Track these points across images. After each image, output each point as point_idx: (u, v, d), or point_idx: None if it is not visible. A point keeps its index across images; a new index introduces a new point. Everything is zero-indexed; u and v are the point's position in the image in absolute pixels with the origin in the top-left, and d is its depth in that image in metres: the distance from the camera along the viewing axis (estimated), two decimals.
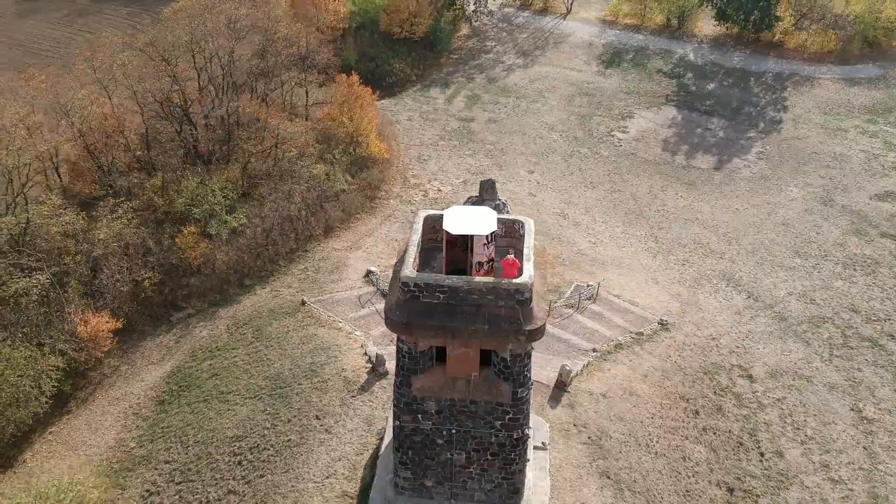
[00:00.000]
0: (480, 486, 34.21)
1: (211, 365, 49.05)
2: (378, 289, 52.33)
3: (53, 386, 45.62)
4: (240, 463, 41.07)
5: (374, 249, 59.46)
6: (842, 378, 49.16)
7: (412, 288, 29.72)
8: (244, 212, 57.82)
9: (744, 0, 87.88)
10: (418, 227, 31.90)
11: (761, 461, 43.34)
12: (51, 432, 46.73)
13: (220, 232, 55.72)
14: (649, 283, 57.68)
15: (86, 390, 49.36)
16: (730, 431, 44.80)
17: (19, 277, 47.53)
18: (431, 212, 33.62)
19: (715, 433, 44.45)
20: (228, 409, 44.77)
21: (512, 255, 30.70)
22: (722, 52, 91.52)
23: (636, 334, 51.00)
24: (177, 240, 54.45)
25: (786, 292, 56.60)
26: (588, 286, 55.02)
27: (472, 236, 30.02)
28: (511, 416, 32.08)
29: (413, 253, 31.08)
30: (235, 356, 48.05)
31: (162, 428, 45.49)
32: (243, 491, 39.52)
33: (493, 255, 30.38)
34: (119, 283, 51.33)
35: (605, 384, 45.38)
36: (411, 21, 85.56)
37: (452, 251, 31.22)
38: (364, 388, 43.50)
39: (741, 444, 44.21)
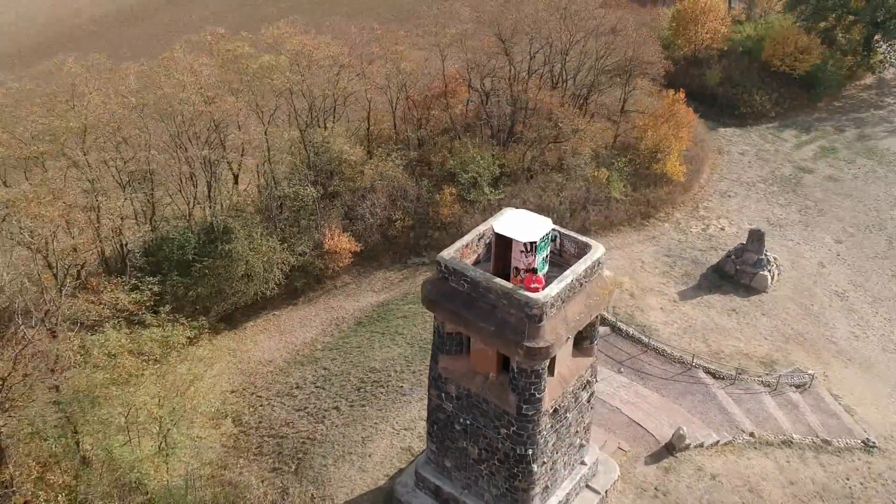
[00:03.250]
0: (489, 488, 34.49)
1: (409, 308, 54.14)
2: (604, 319, 52.03)
3: (282, 277, 54.22)
4: (358, 389, 45.85)
5: (615, 263, 58.86)
6: None
7: (443, 269, 31.15)
8: (507, 191, 61.19)
9: None
10: (495, 220, 32.59)
11: None
12: (274, 314, 55.86)
13: (478, 200, 59.90)
14: (890, 398, 48.96)
15: (315, 293, 57.59)
16: None
17: (301, 187, 56.89)
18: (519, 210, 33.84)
19: None
20: (386, 347, 49.63)
21: (536, 276, 30.25)
22: None
23: (822, 441, 44.38)
24: (438, 196, 59.87)
25: None
26: (807, 374, 48.80)
27: (511, 240, 30.29)
28: (515, 428, 31.87)
29: (468, 240, 32.21)
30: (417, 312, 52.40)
31: (342, 342, 51.98)
32: (344, 411, 44.31)
33: (533, 264, 30.27)
34: (373, 216, 58.52)
35: (726, 468, 40.92)
36: (795, 56, 79.54)
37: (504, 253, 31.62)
38: None
39: None
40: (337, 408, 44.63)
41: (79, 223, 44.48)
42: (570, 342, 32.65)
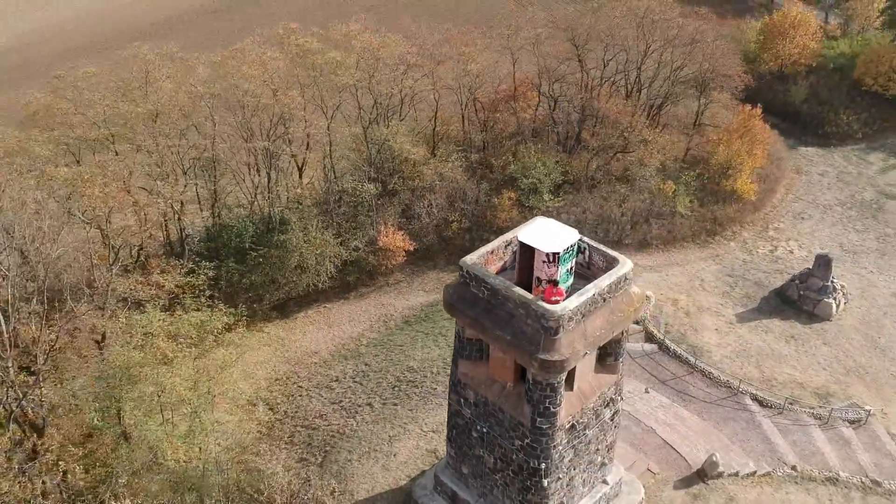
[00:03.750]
0: (503, 499, 34.10)
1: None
2: (641, 324, 51.00)
3: (334, 270, 54.91)
4: (394, 388, 46.05)
5: (673, 280, 57.55)
6: None
7: (464, 273, 30.92)
8: (567, 199, 60.43)
9: None
10: (522, 228, 32.12)
11: None
12: (325, 307, 56.64)
13: (537, 206, 59.35)
14: None
15: (367, 288, 58.15)
16: None
17: (360, 183, 57.56)
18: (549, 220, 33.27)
19: None
20: (428, 347, 49.68)
21: (557, 288, 29.67)
22: None
23: (871, 482, 42.20)
24: (496, 200, 59.60)
25: None
26: (864, 410, 46.51)
27: (535, 249, 29.84)
28: (529, 441, 31.39)
29: (494, 246, 31.88)
30: None
31: (387, 339, 52.31)
32: (377, 408, 44.60)
33: (555, 275, 29.75)
34: (430, 216, 58.68)
35: (760, 501, 39.31)
36: (889, 76, 75.83)
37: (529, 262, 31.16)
38: None
39: None
40: (370, 404, 44.93)
41: (137, 205, 46.09)
42: (593, 358, 31.96)
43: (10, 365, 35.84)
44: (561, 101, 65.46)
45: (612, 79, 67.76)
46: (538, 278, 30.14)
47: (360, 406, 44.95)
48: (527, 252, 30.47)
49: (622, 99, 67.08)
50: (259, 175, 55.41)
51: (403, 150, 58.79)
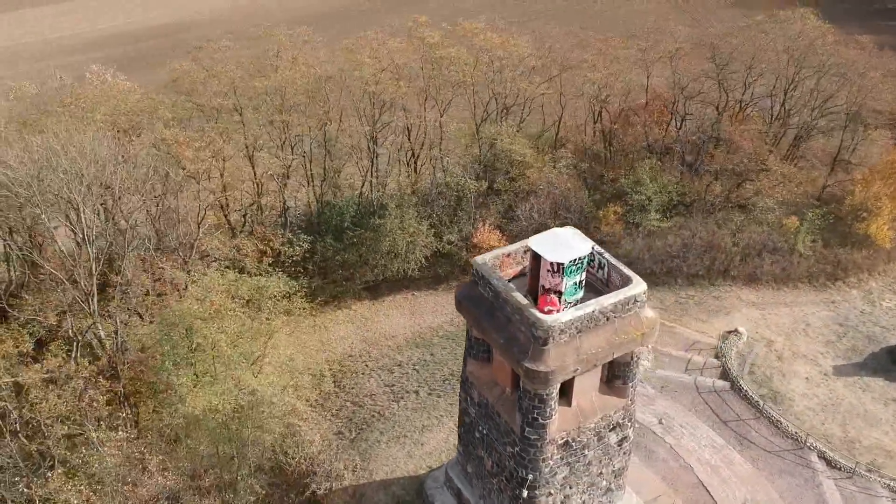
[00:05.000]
0: (500, 502, 33.97)
1: None
2: (724, 366, 48.62)
3: (423, 260, 56.09)
4: (444, 380, 46.89)
5: (775, 320, 54.25)
6: None
7: (474, 272, 31.07)
8: (677, 221, 58.39)
9: None
10: (543, 233, 31.65)
11: None
12: (413, 294, 57.92)
13: (643, 223, 57.80)
14: None
15: (457, 282, 58.50)
16: None
17: (465, 178, 58.44)
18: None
19: None
20: None
21: (555, 298, 29.16)
22: None
23: None
24: (601, 212, 58.52)
25: None
26: None
27: (541, 258, 29.54)
28: (518, 449, 31.11)
29: (512, 249, 31.82)
30: None
31: (460, 334, 52.82)
32: (422, 397, 45.95)
33: (559, 286, 29.33)
34: (528, 219, 58.52)
35: None
36: None
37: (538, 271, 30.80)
38: None
39: None
40: (417, 392, 45.87)
41: (238, 172, 49.45)
42: (596, 377, 31.14)
43: (92, 296, 39.88)
44: (690, 119, 62.97)
45: (752, 103, 64.39)
46: (543, 287, 29.80)
47: (407, 392, 45.99)
48: (536, 259, 30.15)
49: (760, 125, 63.56)
50: (369, 159, 57.44)
51: (513, 150, 58.95)
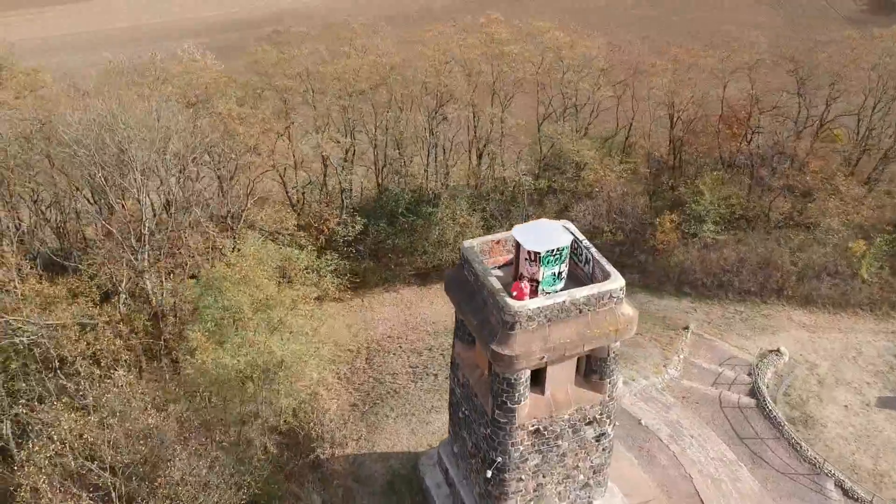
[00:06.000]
0: (476, 485, 34.84)
1: None
2: (755, 383, 47.44)
3: None
4: None
5: (823, 344, 52.47)
6: None
7: (460, 256, 32.07)
8: (736, 235, 57.25)
9: None
10: (530, 222, 32.21)
11: None
12: None
13: (700, 234, 56.92)
14: None
15: None
16: None
17: (520, 174, 59.25)
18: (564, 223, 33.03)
19: None
20: None
21: (527, 285, 29.76)
22: None
23: None
24: (658, 220, 57.93)
25: None
26: None
27: (520, 246, 30.24)
28: (489, 431, 31.93)
29: (502, 237, 32.57)
30: None
31: None
32: (439, 380, 46.99)
33: (536, 275, 29.98)
34: (581, 221, 58.51)
35: None
36: None
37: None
38: None
39: None
40: (436, 375, 47.05)
41: (288, 152, 52.07)
42: (571, 369, 31.53)
43: (145, 252, 43.21)
44: (761, 131, 61.30)
45: (832, 119, 61.99)
46: (521, 275, 30.48)
47: (427, 374, 47.29)
48: (518, 247, 30.85)
49: (840, 144, 61.21)
50: (428, 150, 59.00)
51: (572, 151, 59.18)
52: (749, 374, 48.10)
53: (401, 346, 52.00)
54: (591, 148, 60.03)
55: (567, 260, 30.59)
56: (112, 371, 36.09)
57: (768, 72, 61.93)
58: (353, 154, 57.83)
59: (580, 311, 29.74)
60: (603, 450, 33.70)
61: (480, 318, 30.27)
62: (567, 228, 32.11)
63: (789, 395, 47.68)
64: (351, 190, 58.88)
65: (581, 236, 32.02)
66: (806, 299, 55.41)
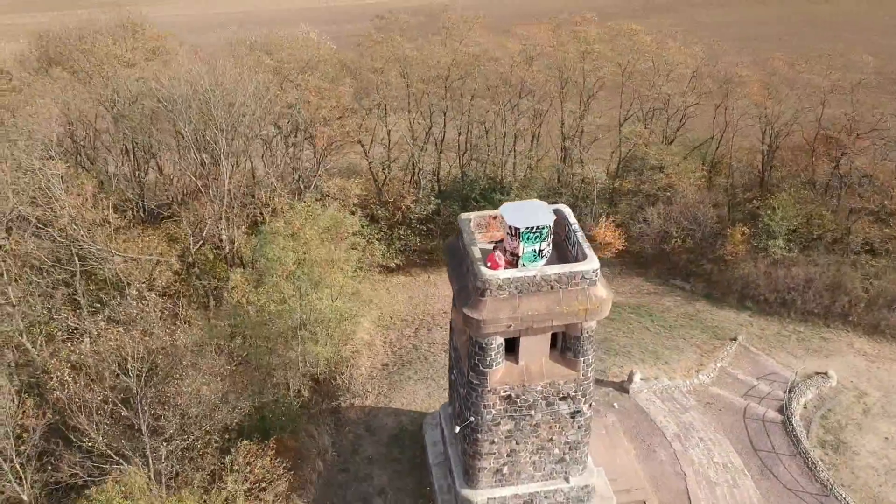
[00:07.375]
0: (460, 445, 37.03)
1: (629, 317, 54.74)
2: (786, 399, 46.72)
3: None
4: None
5: (880, 375, 50.63)
6: None
7: (458, 227, 34.37)
8: (808, 255, 56.03)
9: None
10: (522, 201, 34.05)
11: None
12: None
13: (770, 249, 56.10)
14: None
15: None
16: None
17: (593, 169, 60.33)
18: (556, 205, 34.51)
19: None
20: None
21: (501, 256, 31.65)
22: None
23: None
24: (729, 231, 57.53)
25: None
26: None
27: (503, 221, 32.20)
28: (465, 392, 34.12)
29: (499, 212, 34.54)
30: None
31: None
32: None
33: (517, 250, 31.88)
34: (650, 224, 58.96)
35: None
36: None
37: None
38: None
39: None
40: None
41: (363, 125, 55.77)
42: (545, 343, 33.11)
43: (223, 205, 48.05)
44: (851, 153, 59.26)
45: None
46: (504, 248, 32.44)
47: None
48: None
49: None
50: (504, 139, 61.11)
51: (650, 155, 59.72)
52: (785, 391, 47.30)
53: (438, 321, 54.45)
54: (670, 153, 60.30)
55: (549, 238, 32.19)
56: (156, 295, 40.92)
57: (869, 93, 59.87)
58: (440, 138, 60.64)
59: (551, 288, 31.32)
60: (578, 427, 34.98)
61: (461, 283, 32.48)
62: (560, 212, 33.62)
63: (827, 419, 46.54)
64: (438, 174, 61.78)
65: (573, 221, 33.44)
66: (873, 328, 53.50)
